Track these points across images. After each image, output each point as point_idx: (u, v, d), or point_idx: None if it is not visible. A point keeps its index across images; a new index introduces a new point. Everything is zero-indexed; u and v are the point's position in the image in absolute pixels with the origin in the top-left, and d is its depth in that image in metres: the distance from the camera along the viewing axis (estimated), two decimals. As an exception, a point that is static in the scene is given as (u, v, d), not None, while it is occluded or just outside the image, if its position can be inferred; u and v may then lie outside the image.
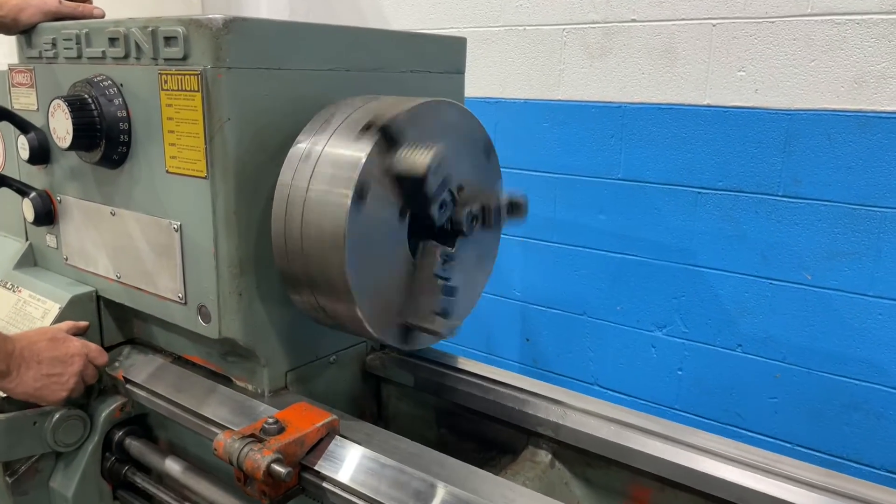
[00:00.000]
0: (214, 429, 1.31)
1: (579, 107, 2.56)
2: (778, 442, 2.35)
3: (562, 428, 1.33)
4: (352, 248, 1.14)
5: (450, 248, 1.30)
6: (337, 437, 1.20)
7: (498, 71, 2.74)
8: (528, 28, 2.66)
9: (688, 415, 2.52)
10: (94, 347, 1.50)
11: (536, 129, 2.67)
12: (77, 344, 1.45)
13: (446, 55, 1.63)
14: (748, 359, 2.36)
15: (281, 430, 1.16)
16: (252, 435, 1.14)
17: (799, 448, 2.30)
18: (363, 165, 1.13)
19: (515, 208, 1.33)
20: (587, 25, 2.50)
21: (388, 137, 1.17)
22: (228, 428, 1.27)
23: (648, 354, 2.58)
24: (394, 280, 1.25)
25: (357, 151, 1.15)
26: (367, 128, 1.17)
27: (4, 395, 1.41)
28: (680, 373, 2.52)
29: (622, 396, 2.68)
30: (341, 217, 1.13)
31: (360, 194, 1.14)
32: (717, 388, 2.44)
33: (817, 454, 2.28)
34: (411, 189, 1.20)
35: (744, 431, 2.41)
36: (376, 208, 1.18)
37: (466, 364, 1.53)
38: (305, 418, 1.20)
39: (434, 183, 1.19)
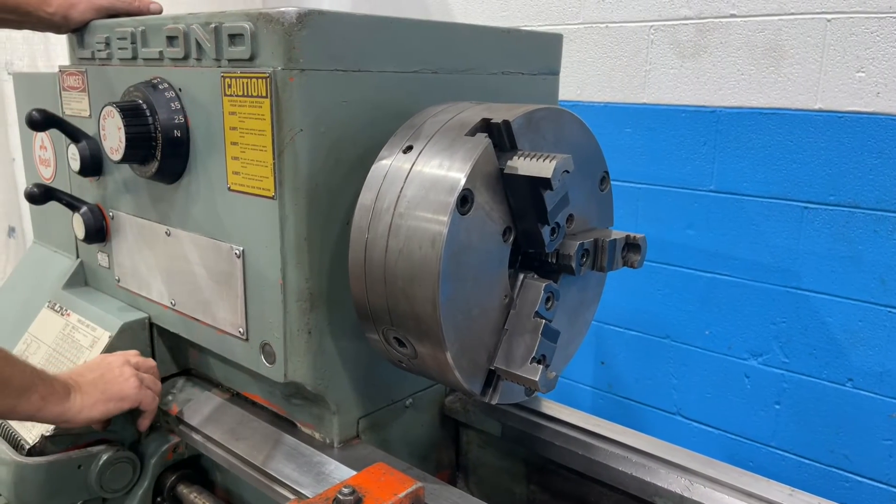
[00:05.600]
0: (277, 487, 1.14)
1: (667, 111, 2.41)
2: (891, 489, 2.16)
3: (687, 502, 1.11)
4: (446, 279, 0.96)
5: (554, 284, 1.10)
6: (423, 509, 1.01)
7: (576, 72, 2.60)
8: (610, 25, 2.50)
9: (786, 453, 2.36)
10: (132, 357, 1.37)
11: (618, 134, 2.52)
12: (113, 358, 1.34)
13: (541, 54, 1.43)
14: (860, 395, 2.16)
15: (358, 502, 0.97)
16: (325, 507, 0.96)
17: (917, 497, 2.09)
18: (469, 172, 0.96)
19: (633, 249, 1.13)
20: (678, 22, 2.34)
21: (502, 139, 0.99)
22: (293, 490, 1.10)
23: (741, 385, 2.40)
24: (487, 318, 1.06)
25: (460, 161, 0.98)
26: (475, 130, 1.00)
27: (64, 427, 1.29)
28: (777, 407, 2.33)
29: (709, 429, 2.52)
30: (436, 246, 0.95)
31: (461, 206, 0.96)
32: (821, 425, 2.25)
33: (938, 505, 2.04)
34: (526, 201, 1.02)
35: (851, 475, 2.22)
36: (477, 228, 1.00)
37: (564, 413, 1.32)
38: (385, 486, 1.01)
39: (556, 195, 1.00)
